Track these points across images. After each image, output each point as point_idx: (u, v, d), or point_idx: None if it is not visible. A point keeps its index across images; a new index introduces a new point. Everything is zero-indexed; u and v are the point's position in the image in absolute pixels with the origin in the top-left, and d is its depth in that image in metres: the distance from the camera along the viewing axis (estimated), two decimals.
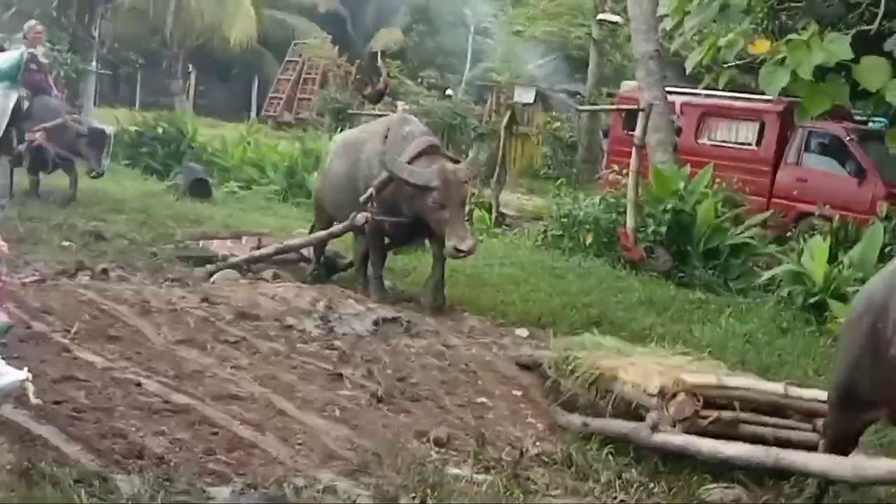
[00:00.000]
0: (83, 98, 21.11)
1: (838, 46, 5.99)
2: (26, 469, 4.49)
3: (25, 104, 13.00)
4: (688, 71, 8.34)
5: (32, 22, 13.74)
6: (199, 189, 15.22)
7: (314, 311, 7.74)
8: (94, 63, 22.84)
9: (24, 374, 2.70)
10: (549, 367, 6.53)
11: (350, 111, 24.36)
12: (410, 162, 8.54)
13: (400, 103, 17.92)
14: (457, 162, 8.99)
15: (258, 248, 10.00)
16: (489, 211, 15.64)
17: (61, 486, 4.36)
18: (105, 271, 9.12)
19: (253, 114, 32.91)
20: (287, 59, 32.81)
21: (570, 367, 6.22)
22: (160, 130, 19.39)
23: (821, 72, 6.28)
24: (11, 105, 3.74)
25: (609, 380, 5.89)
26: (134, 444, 4.98)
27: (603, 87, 23.99)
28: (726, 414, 5.32)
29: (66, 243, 10.61)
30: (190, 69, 34.82)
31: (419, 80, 30.64)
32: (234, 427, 5.41)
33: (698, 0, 7.34)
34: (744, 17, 8.36)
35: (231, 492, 4.60)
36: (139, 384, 5.90)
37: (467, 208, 16.10)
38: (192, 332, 7.08)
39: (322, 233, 9.79)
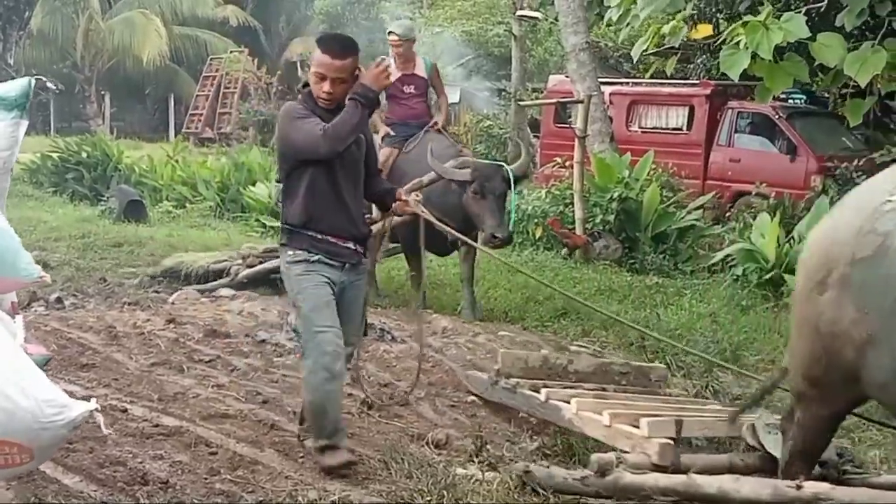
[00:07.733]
0: None
1: (794, 25, 6.11)
2: None
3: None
4: (635, 59, 8.45)
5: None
6: (134, 211, 14.94)
7: (285, 324, 7.63)
8: None
9: (92, 404, 2.62)
10: None
11: None
12: None
13: None
14: None
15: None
16: None
17: None
18: (59, 300, 8.90)
19: (171, 132, 32.46)
20: (203, 74, 32.37)
21: None
22: (84, 155, 18.90)
23: (778, 52, 6.39)
24: (21, 137, 3.57)
25: None
26: (135, 471, 4.85)
27: (527, 83, 24.15)
28: None
29: None
30: (103, 92, 34.26)
31: None
32: (231, 445, 5.30)
33: None
34: (686, 4, 8.48)
35: None
36: (125, 410, 5.76)
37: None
38: (165, 354, 6.92)
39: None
